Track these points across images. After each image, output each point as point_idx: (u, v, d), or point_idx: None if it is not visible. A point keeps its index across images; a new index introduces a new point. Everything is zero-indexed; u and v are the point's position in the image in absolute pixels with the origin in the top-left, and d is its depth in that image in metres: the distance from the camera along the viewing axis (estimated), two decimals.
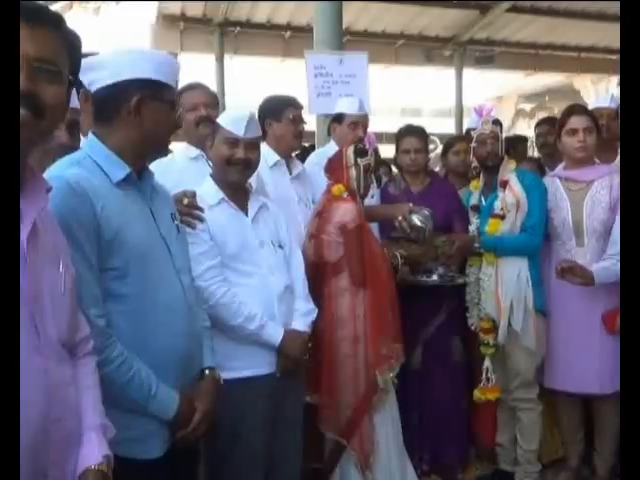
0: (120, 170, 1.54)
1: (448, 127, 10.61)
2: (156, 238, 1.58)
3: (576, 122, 2.82)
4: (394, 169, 3.99)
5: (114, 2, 11.45)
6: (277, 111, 2.82)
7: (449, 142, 3.68)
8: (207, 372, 1.70)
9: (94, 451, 1.21)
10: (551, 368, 2.92)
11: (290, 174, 2.91)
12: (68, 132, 1.79)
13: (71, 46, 1.16)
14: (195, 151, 2.58)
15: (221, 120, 2.17)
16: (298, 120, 2.85)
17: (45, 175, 1.44)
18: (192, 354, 1.64)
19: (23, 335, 1.09)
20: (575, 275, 2.62)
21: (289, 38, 8.74)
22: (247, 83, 9.41)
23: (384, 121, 9.11)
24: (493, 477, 3.06)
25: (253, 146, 2.16)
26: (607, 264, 2.68)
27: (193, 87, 2.68)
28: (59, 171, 1.47)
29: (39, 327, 1.12)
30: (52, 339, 1.17)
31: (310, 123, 3.76)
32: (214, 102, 2.69)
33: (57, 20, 1.13)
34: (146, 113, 1.54)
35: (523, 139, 3.84)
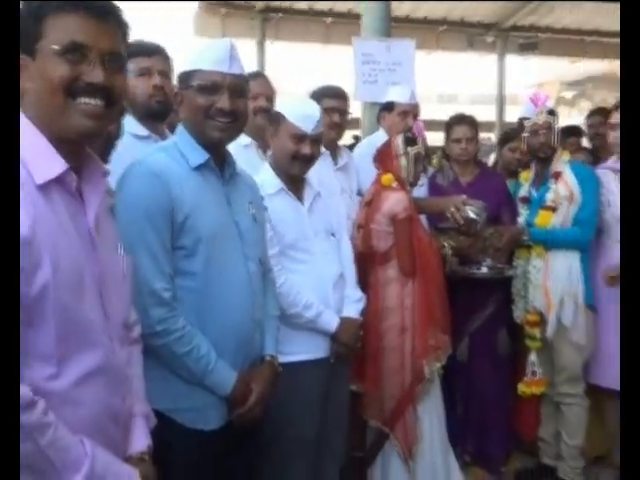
0: (199, 156, 1.64)
1: (486, 114, 10.41)
2: (227, 222, 1.67)
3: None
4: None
5: None
6: None
7: (508, 134, 3.62)
8: (267, 358, 1.76)
9: (142, 438, 1.27)
10: (597, 364, 2.88)
11: (335, 164, 2.91)
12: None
13: (125, 35, 1.20)
14: (247, 139, 2.58)
15: (288, 113, 2.14)
16: (330, 111, 2.82)
17: (134, 160, 1.60)
18: (251, 338, 1.70)
19: (94, 317, 1.13)
20: None
21: (330, 24, 8.69)
22: (289, 68, 9.41)
23: (421, 108, 9.00)
24: (535, 470, 3.04)
25: (318, 141, 2.17)
26: None
27: (255, 76, 2.64)
28: (146, 156, 1.61)
29: (107, 310, 1.17)
30: (117, 321, 1.21)
31: (356, 110, 3.75)
32: (274, 94, 2.68)
33: (119, 13, 1.17)
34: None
35: (577, 130, 3.76)
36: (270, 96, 2.67)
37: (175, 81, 1.79)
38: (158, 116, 2.29)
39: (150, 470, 1.25)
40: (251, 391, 1.66)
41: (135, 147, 2.06)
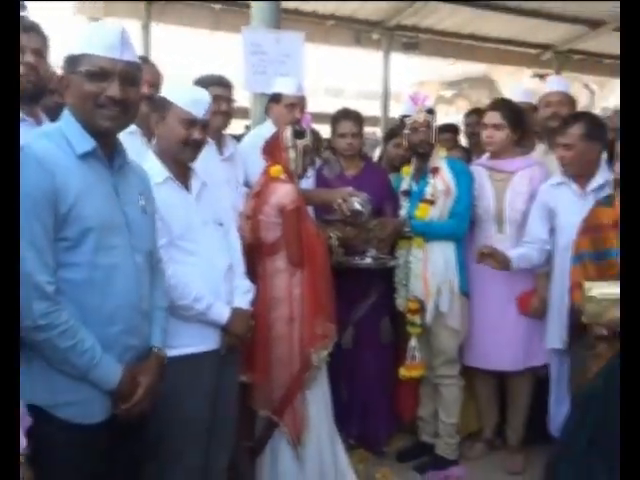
0: (86, 143, 1.58)
1: (371, 109, 10.75)
2: (115, 214, 1.62)
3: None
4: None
5: None
6: None
7: (392, 131, 3.76)
8: (154, 350, 1.73)
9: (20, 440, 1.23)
10: (470, 347, 3.10)
11: (221, 155, 2.89)
12: None
13: None
14: (132, 126, 2.49)
15: (177, 99, 2.09)
16: (218, 99, 2.80)
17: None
18: (138, 331, 1.67)
19: None
20: (495, 260, 2.78)
21: (219, 11, 8.52)
22: (174, 53, 9.12)
23: (309, 101, 9.09)
24: (415, 449, 3.23)
25: (206, 127, 2.15)
26: (523, 251, 2.88)
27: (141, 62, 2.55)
28: (29, 142, 1.51)
29: None
30: None
31: (245, 100, 3.74)
32: (159, 81, 2.60)
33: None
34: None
35: (453, 127, 4.00)
36: (155, 83, 2.60)
37: (62, 64, 1.69)
38: (31, 98, 2.14)
39: (26, 472, 1.20)
40: (138, 384, 1.63)
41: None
